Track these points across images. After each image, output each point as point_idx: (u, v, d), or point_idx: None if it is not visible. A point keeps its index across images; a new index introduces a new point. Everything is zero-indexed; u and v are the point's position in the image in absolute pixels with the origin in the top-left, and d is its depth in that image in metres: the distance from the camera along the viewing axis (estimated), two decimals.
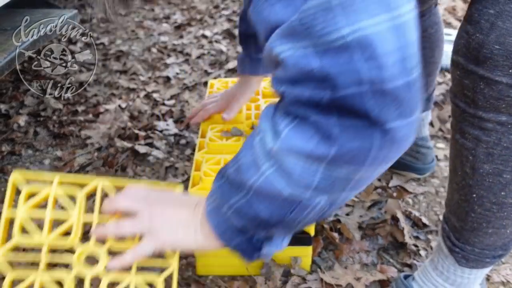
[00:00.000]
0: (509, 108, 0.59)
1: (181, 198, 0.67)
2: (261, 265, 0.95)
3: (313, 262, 1.00)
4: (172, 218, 0.61)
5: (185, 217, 0.61)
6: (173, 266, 0.66)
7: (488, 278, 0.96)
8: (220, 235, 0.59)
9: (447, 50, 1.19)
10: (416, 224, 1.10)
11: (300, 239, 0.93)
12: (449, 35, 1.46)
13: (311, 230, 0.92)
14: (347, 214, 1.10)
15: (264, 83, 1.21)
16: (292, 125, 0.47)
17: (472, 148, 0.64)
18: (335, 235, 1.05)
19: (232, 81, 1.24)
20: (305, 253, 0.96)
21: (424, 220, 1.10)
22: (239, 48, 2.11)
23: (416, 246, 1.04)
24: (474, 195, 0.68)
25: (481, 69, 0.58)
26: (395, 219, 1.09)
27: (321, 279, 0.94)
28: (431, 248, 1.04)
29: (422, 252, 1.02)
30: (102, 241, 0.65)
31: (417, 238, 1.07)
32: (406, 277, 0.89)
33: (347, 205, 1.14)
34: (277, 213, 0.52)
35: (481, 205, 0.69)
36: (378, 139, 0.44)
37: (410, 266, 1.00)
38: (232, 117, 1.07)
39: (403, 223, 1.06)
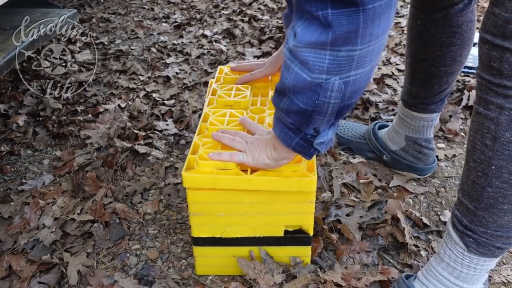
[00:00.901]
0: None
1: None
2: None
3: (314, 262, 0.99)
4: (260, 144, 0.84)
5: (267, 142, 0.82)
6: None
7: (489, 278, 0.96)
8: (282, 139, 0.75)
9: None
10: (417, 224, 1.10)
11: (299, 239, 0.93)
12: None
13: (310, 230, 0.92)
14: (348, 215, 1.10)
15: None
16: (304, 25, 0.61)
17: (495, 117, 0.70)
18: (336, 235, 1.05)
19: (237, 88, 1.21)
20: (305, 253, 0.96)
21: (425, 220, 1.10)
22: (239, 48, 2.11)
23: (416, 246, 1.04)
24: (493, 167, 0.72)
25: (507, 42, 0.65)
26: (395, 219, 1.08)
27: (321, 279, 0.93)
28: (432, 248, 1.04)
29: (423, 253, 1.02)
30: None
31: (417, 238, 1.07)
32: (407, 277, 0.89)
33: (348, 206, 1.14)
34: (310, 101, 0.66)
35: (499, 177, 0.72)
36: (362, 20, 0.57)
37: (410, 266, 0.99)
38: (265, 75, 1.11)
39: (404, 223, 1.06)
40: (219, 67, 1.22)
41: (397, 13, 2.52)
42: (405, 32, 2.22)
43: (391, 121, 1.29)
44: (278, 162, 0.81)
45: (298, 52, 0.63)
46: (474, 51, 1.67)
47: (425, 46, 1.06)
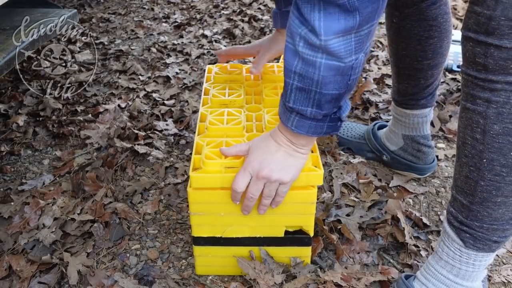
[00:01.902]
0: None
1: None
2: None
3: (314, 262, 0.99)
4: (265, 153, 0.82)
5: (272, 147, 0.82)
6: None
7: (489, 278, 0.96)
8: (312, 133, 0.77)
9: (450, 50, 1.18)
10: (417, 224, 1.10)
11: (299, 239, 0.93)
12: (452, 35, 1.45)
13: (311, 230, 0.92)
14: (348, 215, 1.10)
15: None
16: (322, 17, 0.63)
17: (483, 111, 0.71)
18: (336, 235, 1.05)
19: (231, 65, 1.24)
20: (305, 254, 0.96)
21: (425, 220, 1.10)
22: None
23: (416, 246, 1.04)
24: (485, 160, 0.73)
25: (490, 38, 0.66)
26: (395, 219, 1.08)
27: (321, 279, 0.93)
28: (432, 248, 1.04)
29: (423, 253, 1.02)
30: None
31: (417, 238, 1.07)
32: (407, 277, 0.89)
33: (348, 206, 1.14)
34: (343, 84, 0.70)
35: (491, 170, 0.73)
36: None
37: (410, 266, 0.99)
38: (260, 71, 1.12)
39: (404, 223, 1.06)
40: (208, 66, 1.24)
41: None
42: None
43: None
44: (303, 151, 0.82)
45: (327, 46, 0.65)
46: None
47: (404, 43, 1.08)
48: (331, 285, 0.92)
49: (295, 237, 0.92)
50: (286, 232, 0.92)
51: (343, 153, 1.35)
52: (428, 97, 1.15)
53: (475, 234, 0.78)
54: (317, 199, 1.13)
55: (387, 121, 1.37)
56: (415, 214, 1.11)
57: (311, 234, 0.92)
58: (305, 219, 0.90)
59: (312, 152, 0.89)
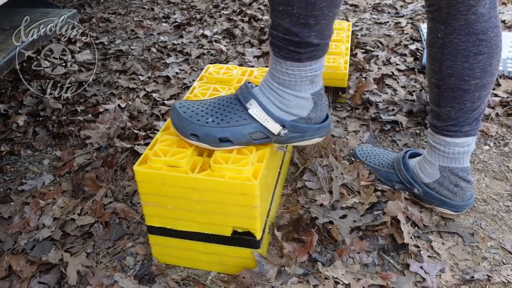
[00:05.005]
0: None
1: None
2: (217, 260, 0.97)
3: (314, 260, 0.99)
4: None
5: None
6: None
7: (489, 278, 0.96)
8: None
9: None
10: (417, 224, 1.10)
11: (246, 241, 0.93)
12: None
13: (257, 234, 0.92)
14: (342, 217, 1.10)
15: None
16: None
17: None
18: (339, 237, 1.05)
19: (227, 67, 1.25)
20: (252, 256, 0.96)
21: (425, 220, 1.10)
22: (239, 48, 2.11)
23: (417, 246, 1.04)
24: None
25: None
26: (395, 219, 1.08)
27: (319, 280, 0.94)
28: (432, 248, 1.04)
29: (423, 253, 1.02)
30: None
31: (418, 238, 1.06)
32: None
33: (343, 208, 1.13)
34: None
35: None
36: None
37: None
38: None
39: (404, 223, 1.06)
40: (207, 65, 1.25)
41: (397, 13, 2.52)
42: (405, 32, 2.22)
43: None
44: None
45: None
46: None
47: (450, 60, 0.98)
48: (329, 285, 0.92)
49: (242, 238, 0.93)
50: (235, 232, 0.92)
51: (345, 154, 1.35)
52: (473, 123, 1.03)
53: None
54: (315, 201, 1.13)
55: (416, 148, 1.37)
56: (415, 215, 1.11)
57: (258, 237, 0.92)
58: (249, 222, 0.90)
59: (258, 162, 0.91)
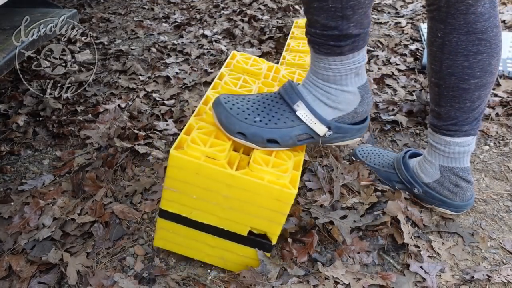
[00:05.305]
0: None
1: None
2: (220, 255, 0.97)
3: (314, 260, 0.99)
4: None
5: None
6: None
7: (489, 278, 0.96)
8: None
9: None
10: (417, 224, 1.10)
11: (261, 243, 0.93)
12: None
13: (274, 238, 0.92)
14: (342, 218, 1.10)
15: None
16: None
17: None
18: (340, 237, 1.05)
19: (255, 59, 1.22)
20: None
21: (425, 220, 1.10)
22: (239, 48, 2.11)
23: (417, 246, 1.04)
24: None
25: None
26: (395, 219, 1.08)
27: (319, 280, 0.94)
28: (432, 248, 1.04)
29: (423, 253, 1.02)
30: None
31: (418, 238, 1.06)
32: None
33: (343, 209, 1.13)
34: None
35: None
36: None
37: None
38: None
39: (404, 223, 1.06)
40: (233, 52, 1.22)
41: (397, 13, 2.52)
42: (405, 32, 2.22)
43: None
44: None
45: None
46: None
47: (450, 59, 0.98)
48: (332, 282, 0.92)
49: (257, 240, 0.93)
50: (251, 233, 0.92)
51: (345, 155, 1.35)
52: (473, 123, 1.04)
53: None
54: (315, 201, 1.13)
55: (421, 147, 1.37)
56: (415, 215, 1.11)
57: (274, 242, 0.92)
58: (272, 227, 0.90)
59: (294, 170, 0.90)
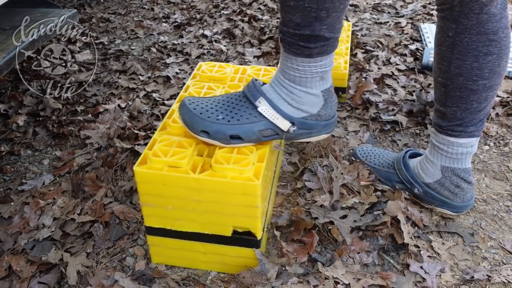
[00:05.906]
0: None
1: None
2: (217, 260, 0.97)
3: (314, 260, 0.99)
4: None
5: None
6: None
7: (489, 278, 0.96)
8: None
9: None
10: (417, 224, 1.10)
11: (247, 240, 0.93)
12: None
13: (258, 233, 0.92)
14: (345, 216, 1.10)
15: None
16: None
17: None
18: (340, 237, 1.05)
19: (220, 65, 1.24)
20: (253, 255, 0.95)
21: (425, 220, 1.10)
22: (239, 48, 2.11)
23: (417, 246, 1.04)
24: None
25: None
26: (395, 219, 1.08)
27: (319, 280, 0.94)
28: (432, 248, 1.04)
29: (423, 253, 1.02)
30: None
31: (418, 238, 1.06)
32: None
33: (343, 208, 1.13)
34: None
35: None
36: None
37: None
38: None
39: (404, 223, 1.06)
40: (199, 63, 1.25)
41: (397, 13, 2.52)
42: (405, 32, 2.22)
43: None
44: None
45: None
46: None
47: (459, 59, 0.97)
48: (332, 282, 0.92)
49: (243, 238, 0.93)
50: (235, 232, 0.92)
51: (345, 154, 1.35)
52: (478, 124, 1.03)
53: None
54: (315, 202, 1.13)
55: (422, 149, 1.37)
56: (415, 214, 1.11)
57: (258, 236, 0.92)
58: (251, 222, 0.90)
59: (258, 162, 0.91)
